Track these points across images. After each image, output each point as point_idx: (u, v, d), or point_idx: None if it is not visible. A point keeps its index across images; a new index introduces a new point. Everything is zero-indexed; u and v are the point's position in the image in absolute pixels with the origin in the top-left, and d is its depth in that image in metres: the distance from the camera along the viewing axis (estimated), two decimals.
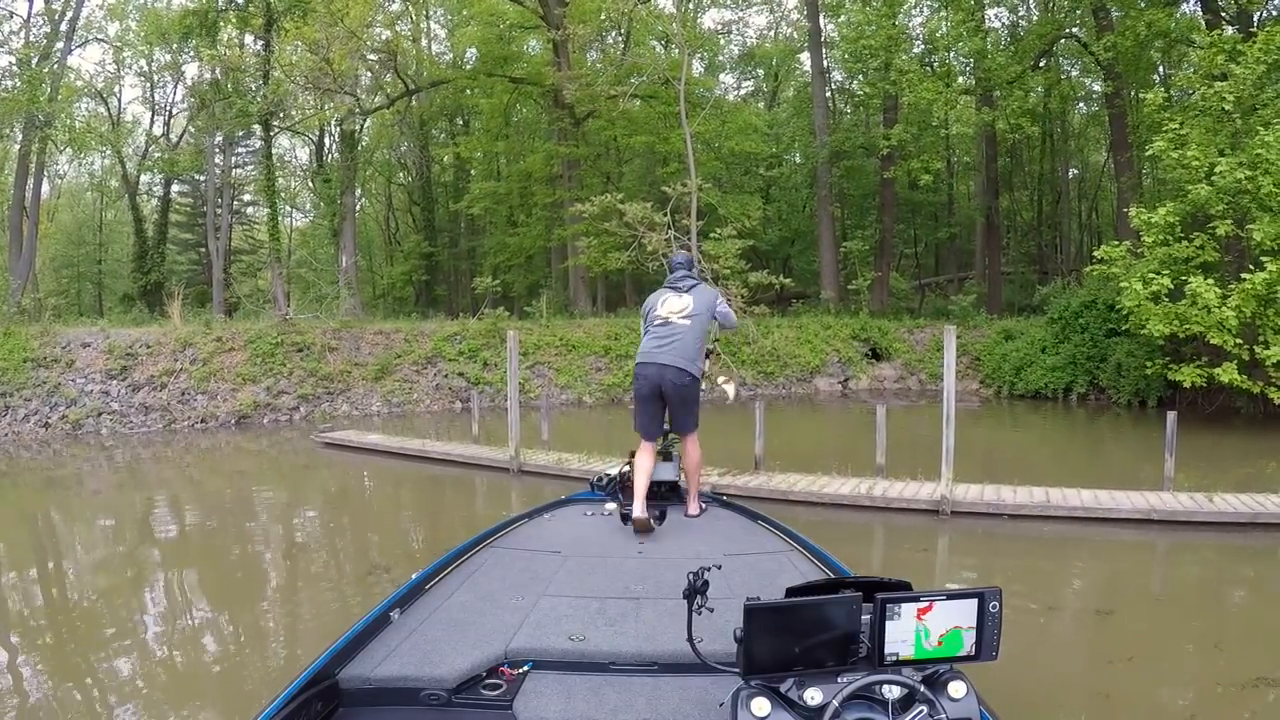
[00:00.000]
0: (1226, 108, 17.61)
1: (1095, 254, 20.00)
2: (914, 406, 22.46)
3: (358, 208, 38.62)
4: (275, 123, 30.13)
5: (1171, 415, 11.28)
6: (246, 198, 45.15)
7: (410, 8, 37.67)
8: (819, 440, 18.04)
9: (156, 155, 41.06)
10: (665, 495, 5.23)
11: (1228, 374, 16.68)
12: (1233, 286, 16.60)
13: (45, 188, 39.32)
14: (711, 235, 24.17)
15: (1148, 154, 20.34)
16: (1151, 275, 17.49)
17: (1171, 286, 17.32)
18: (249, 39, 30.42)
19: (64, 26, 31.37)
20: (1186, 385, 17.82)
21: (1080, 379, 22.34)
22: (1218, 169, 16.85)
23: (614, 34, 38.66)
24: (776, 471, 12.31)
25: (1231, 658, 6.34)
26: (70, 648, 6.75)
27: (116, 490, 14.24)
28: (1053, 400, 22.58)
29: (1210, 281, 16.75)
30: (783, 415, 21.21)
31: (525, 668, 3.39)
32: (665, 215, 23.50)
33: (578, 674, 3.35)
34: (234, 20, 28.75)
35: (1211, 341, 16.84)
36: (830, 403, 24.38)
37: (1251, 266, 16.59)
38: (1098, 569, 9.11)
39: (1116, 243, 19.50)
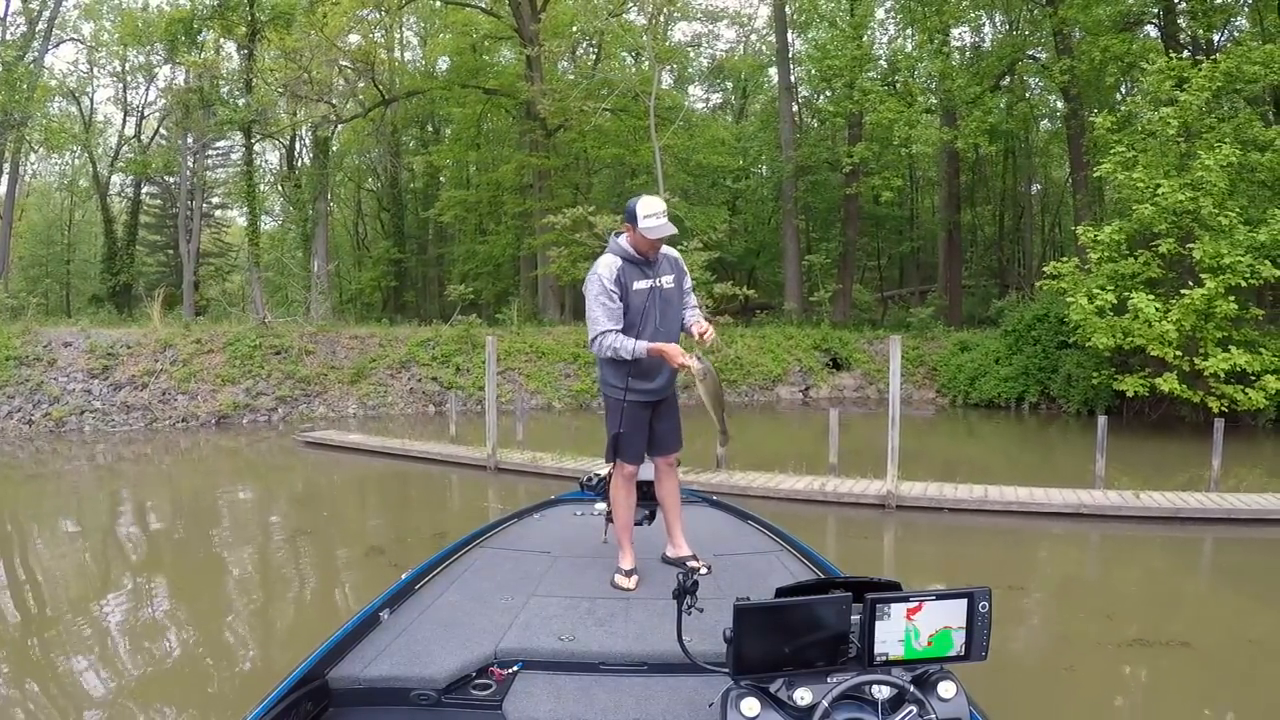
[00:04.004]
0: (1170, 132, 18.51)
1: (1045, 269, 20.82)
2: (872, 414, 23.17)
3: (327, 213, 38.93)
4: (256, 130, 30.53)
5: (1102, 419, 12.18)
6: (215, 200, 45.24)
7: (386, 16, 38.14)
8: (779, 444, 18.74)
9: (129, 156, 41.11)
10: (653, 495, 4.97)
11: (1168, 384, 17.55)
12: (1173, 301, 17.51)
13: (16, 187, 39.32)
14: (679, 247, 24.74)
15: (1095, 175, 21.20)
16: (1097, 290, 18.34)
17: (1115, 301, 18.18)
18: (229, 47, 30.83)
19: (41, 26, 31.59)
20: (1130, 395, 18.71)
21: (1032, 389, 23.18)
22: (1160, 190, 17.74)
23: (585, 44, 39.23)
24: (737, 470, 13.05)
25: (1119, 624, 7.19)
26: (37, 646, 6.87)
27: (98, 487, 14.71)
28: (1005, 409, 23.40)
29: (1151, 297, 17.63)
30: (745, 421, 21.93)
31: (515, 668, 3.41)
32: None
33: (567, 674, 3.37)
34: (218, 28, 29.12)
35: (1152, 354, 17.71)
36: (791, 410, 25.11)
37: (1190, 283, 17.50)
38: (1023, 555, 10.01)
39: (1066, 259, 20.33)
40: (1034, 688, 5.92)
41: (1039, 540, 10.33)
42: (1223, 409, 16.83)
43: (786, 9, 34.82)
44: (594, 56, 39.14)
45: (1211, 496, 11.08)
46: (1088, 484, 11.91)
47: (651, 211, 4.33)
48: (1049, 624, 7.38)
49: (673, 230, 4.35)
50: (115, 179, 43.48)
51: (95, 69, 41.64)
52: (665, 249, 4.64)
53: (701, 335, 4.39)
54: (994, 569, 9.12)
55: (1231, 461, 13.33)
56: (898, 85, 31.39)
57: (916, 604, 2.53)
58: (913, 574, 8.79)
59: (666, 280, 4.55)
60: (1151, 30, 27.76)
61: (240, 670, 6.49)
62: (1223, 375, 17.19)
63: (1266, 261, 17.10)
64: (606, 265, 4.46)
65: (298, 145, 40.58)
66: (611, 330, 4.37)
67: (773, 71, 40.99)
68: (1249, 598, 8.36)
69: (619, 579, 4.40)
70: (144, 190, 43.73)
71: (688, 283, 4.73)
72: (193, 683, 6.19)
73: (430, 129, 46.44)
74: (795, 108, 38.47)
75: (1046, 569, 9.41)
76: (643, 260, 4.48)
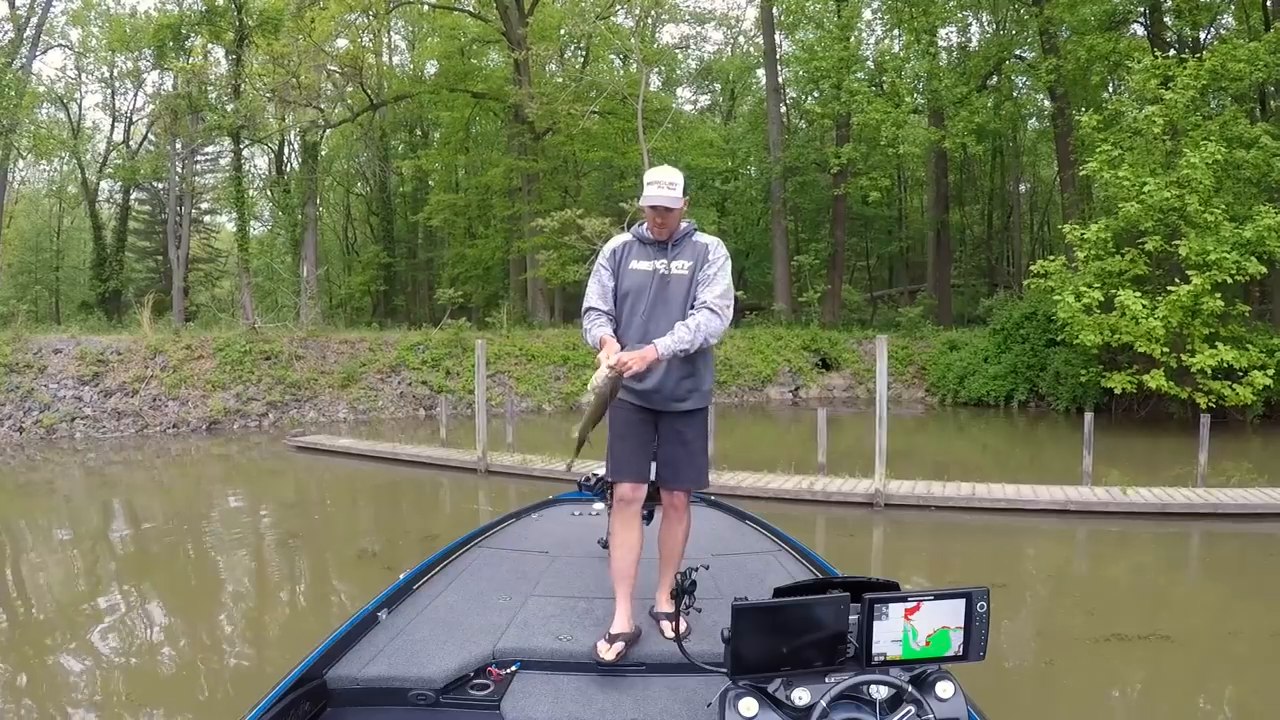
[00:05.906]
0: (1156, 130, 18.61)
1: (1033, 268, 20.90)
2: (861, 414, 23.19)
3: (316, 217, 38.89)
4: (245, 135, 30.53)
5: (1089, 416, 12.27)
6: (204, 205, 45.16)
7: (373, 21, 38.15)
8: (769, 444, 18.81)
9: (117, 162, 41.01)
10: (653, 494, 4.43)
11: (1155, 380, 17.64)
12: (1160, 299, 17.60)
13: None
14: None
15: (1082, 173, 21.29)
16: (1084, 288, 18.43)
17: (1102, 299, 18.26)
18: (217, 52, 30.80)
19: (29, 32, 31.55)
20: (1119, 392, 18.79)
21: (1021, 387, 23.30)
22: (1146, 188, 17.84)
23: (573, 47, 39.30)
24: (726, 470, 13.10)
25: (1098, 620, 7.24)
26: (32, 652, 6.79)
27: (90, 493, 14.68)
28: (994, 407, 23.50)
29: (1138, 294, 17.71)
30: (735, 422, 21.99)
31: (513, 668, 3.38)
32: (623, 229, 24.19)
33: (565, 674, 3.35)
34: (206, 34, 29.10)
35: (1140, 350, 17.79)
36: (781, 411, 25.19)
37: (1177, 280, 17.59)
38: (1010, 552, 10.07)
39: (1054, 257, 20.44)
40: (1010, 681, 5.97)
41: (1026, 537, 10.40)
42: (1210, 405, 16.93)
43: (774, 10, 34.89)
44: (582, 59, 39.19)
45: (1198, 491, 11.16)
46: (1076, 481, 11.98)
47: (653, 180, 3.73)
48: (1031, 619, 7.44)
49: (673, 201, 3.68)
50: (104, 185, 43.43)
51: (83, 75, 41.71)
52: (701, 236, 3.91)
53: (618, 364, 3.43)
54: (980, 566, 9.20)
55: (1219, 457, 13.42)
56: (885, 86, 31.46)
57: (914, 604, 2.51)
58: (900, 572, 8.84)
59: (679, 266, 3.79)
60: (1138, 29, 27.92)
61: (235, 672, 6.46)
62: (1210, 371, 17.29)
63: (1252, 258, 17.23)
64: (610, 241, 4.02)
65: (286, 150, 40.52)
66: (595, 309, 3.85)
67: (760, 73, 41.13)
68: (1231, 590, 8.45)
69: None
70: (133, 196, 43.68)
71: (707, 272, 3.77)
72: (189, 685, 6.17)
73: (419, 133, 46.45)
74: (783, 109, 38.53)
75: (1032, 566, 9.47)
76: (652, 241, 3.84)
